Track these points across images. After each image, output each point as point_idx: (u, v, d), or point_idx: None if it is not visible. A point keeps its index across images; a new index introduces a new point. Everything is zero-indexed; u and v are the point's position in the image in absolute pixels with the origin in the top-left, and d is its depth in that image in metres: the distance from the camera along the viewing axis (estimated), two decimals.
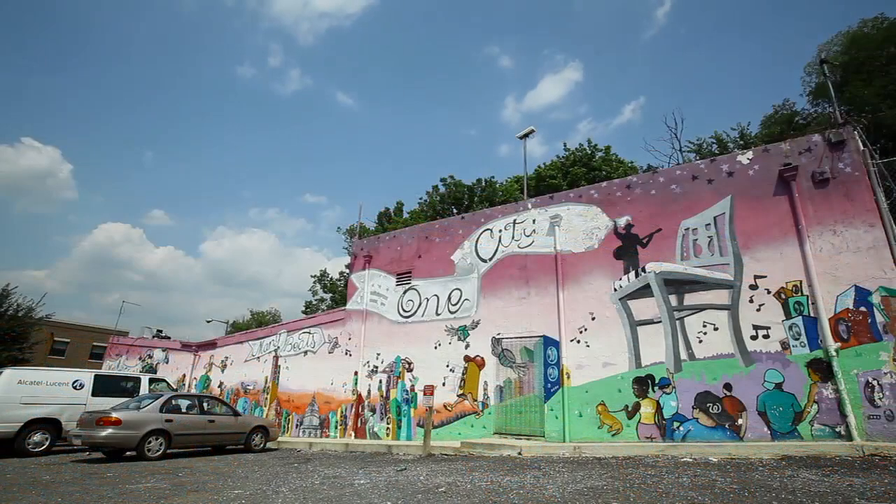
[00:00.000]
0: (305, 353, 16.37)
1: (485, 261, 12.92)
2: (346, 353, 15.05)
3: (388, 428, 13.28)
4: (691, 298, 9.56)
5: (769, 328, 8.65)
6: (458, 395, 12.17)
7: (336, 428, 14.37)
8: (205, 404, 11.20)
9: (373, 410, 13.77)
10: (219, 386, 19.10)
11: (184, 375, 20.71)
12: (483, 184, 29.94)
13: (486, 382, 11.79)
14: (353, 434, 13.84)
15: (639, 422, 9.36)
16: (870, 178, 8.58)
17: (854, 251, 8.31)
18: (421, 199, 31.73)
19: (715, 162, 10.28)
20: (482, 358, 12.06)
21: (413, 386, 13.14)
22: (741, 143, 23.04)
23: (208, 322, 62.61)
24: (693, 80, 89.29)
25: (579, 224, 11.48)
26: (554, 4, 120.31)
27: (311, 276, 36.84)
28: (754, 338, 8.73)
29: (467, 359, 12.34)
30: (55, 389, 11.41)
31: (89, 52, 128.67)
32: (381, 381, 13.90)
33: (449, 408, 12.16)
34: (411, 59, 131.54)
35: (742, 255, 9.27)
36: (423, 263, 14.29)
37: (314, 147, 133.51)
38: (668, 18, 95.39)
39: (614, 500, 4.64)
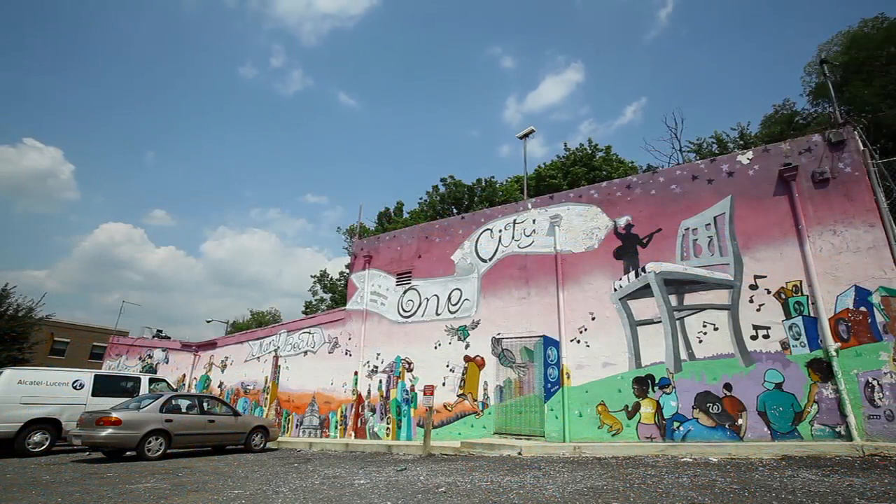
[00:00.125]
0: (305, 353, 16.37)
1: (485, 261, 12.92)
2: (346, 353, 15.05)
3: (388, 428, 13.28)
4: (691, 298, 9.56)
5: (769, 328, 8.65)
6: (458, 395, 12.17)
7: (336, 428, 14.37)
8: (205, 404, 11.20)
9: (373, 410, 13.77)
10: (219, 386, 19.10)
11: (184, 375, 20.71)
12: (483, 184, 29.95)
13: (486, 382, 11.79)
14: (353, 434, 13.84)
15: (639, 422, 9.35)
16: (870, 178, 8.58)
17: (854, 251, 8.30)
18: (421, 199, 31.76)
19: (715, 162, 10.28)
20: (482, 358, 12.06)
21: (413, 386, 13.14)
22: (741, 143, 23.03)
23: (208, 322, 62.72)
24: (693, 81, 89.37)
25: (579, 224, 11.48)
26: (555, 5, 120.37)
27: (312, 277, 36.87)
28: (754, 338, 8.73)
29: (467, 359, 12.34)
30: (55, 389, 11.41)
31: (91, 53, 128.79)
32: (381, 381, 13.90)
33: (449, 408, 12.16)
34: (413, 60, 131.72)
35: (742, 255, 9.26)
36: (423, 263, 14.29)
37: (316, 147, 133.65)
38: (670, 19, 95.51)
39: (614, 500, 4.64)
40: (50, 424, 11.02)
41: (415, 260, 14.52)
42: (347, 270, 22.64)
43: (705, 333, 9.22)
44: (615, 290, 10.45)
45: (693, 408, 8.91)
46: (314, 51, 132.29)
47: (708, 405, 8.79)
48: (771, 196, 9.32)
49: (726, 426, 8.52)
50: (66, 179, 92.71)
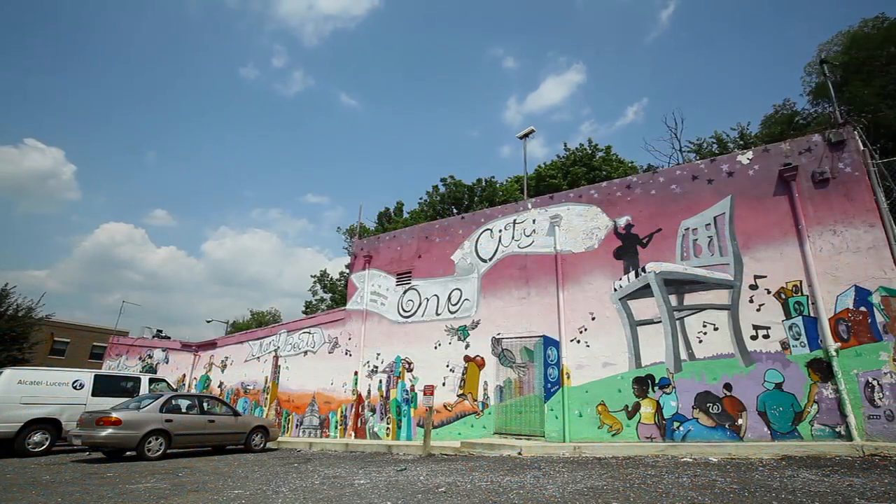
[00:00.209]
0: (305, 353, 16.37)
1: (485, 261, 12.92)
2: (346, 353, 15.05)
3: (388, 428, 13.28)
4: (691, 298, 9.56)
5: (769, 328, 8.65)
6: (458, 395, 12.17)
7: (336, 428, 14.37)
8: (205, 404, 11.20)
9: (373, 410, 13.77)
10: (219, 386, 19.10)
11: (184, 375, 20.71)
12: (483, 184, 29.95)
13: (486, 382, 11.79)
14: (353, 434, 13.84)
15: (639, 422, 9.35)
16: (870, 178, 8.58)
17: (854, 251, 8.31)
18: (421, 199, 31.77)
19: (715, 162, 10.27)
20: (482, 358, 12.06)
21: (413, 386, 13.14)
22: (741, 143, 23.04)
23: (208, 322, 62.74)
24: (694, 81, 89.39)
25: (579, 224, 11.48)
26: (556, 6, 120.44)
27: (312, 277, 36.87)
28: (754, 338, 8.73)
29: (467, 359, 12.34)
30: (55, 389, 11.41)
31: (93, 53, 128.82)
32: (381, 381, 13.90)
33: (449, 408, 12.16)
34: (414, 61, 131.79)
35: (742, 255, 9.26)
36: (423, 263, 14.29)
37: (317, 148, 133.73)
38: (671, 20, 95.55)
39: (614, 500, 4.64)
40: (50, 424, 11.02)
41: (415, 260, 14.52)
42: (347, 270, 22.64)
43: (705, 333, 9.22)
44: (615, 290, 10.45)
45: (693, 408, 8.91)
46: (316, 51, 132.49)
47: (708, 405, 8.79)
48: (771, 196, 9.32)
49: (726, 426, 8.52)
50: (67, 180, 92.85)
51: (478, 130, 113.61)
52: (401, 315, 14.17)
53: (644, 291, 10.05)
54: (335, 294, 34.42)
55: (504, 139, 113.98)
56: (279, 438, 13.17)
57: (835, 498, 4.38)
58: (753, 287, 8.99)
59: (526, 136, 14.49)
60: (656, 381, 9.43)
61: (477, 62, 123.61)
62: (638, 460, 7.66)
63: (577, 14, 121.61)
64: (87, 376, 12.27)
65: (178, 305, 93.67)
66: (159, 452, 9.54)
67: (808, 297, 8.47)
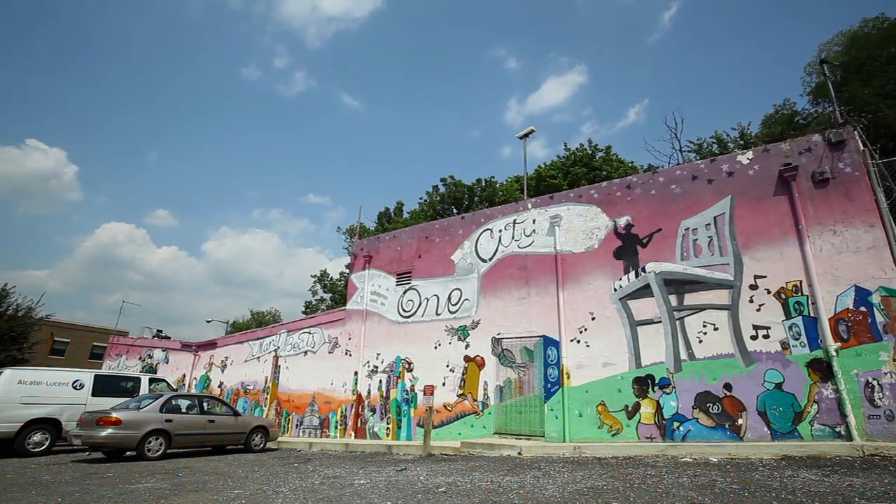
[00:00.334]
0: (305, 353, 16.37)
1: (485, 261, 12.92)
2: (346, 353, 15.05)
3: (388, 428, 13.28)
4: (691, 298, 9.56)
5: (769, 328, 8.65)
6: (458, 395, 12.17)
7: (336, 428, 14.37)
8: (205, 404, 11.20)
9: (373, 410, 13.77)
10: (219, 386, 19.10)
11: (184, 375, 20.71)
12: (483, 184, 29.94)
13: (486, 382, 11.79)
14: (353, 434, 13.84)
15: (639, 422, 9.35)
16: (870, 178, 8.58)
17: (854, 251, 8.30)
18: (421, 199, 31.76)
19: (715, 162, 10.27)
20: (482, 358, 12.06)
21: (413, 386, 13.14)
22: (741, 143, 23.03)
23: (208, 322, 62.73)
24: (694, 81, 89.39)
25: (579, 224, 11.47)
26: (558, 8, 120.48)
27: (312, 277, 36.87)
28: (754, 338, 8.73)
29: (467, 359, 12.33)
30: (55, 389, 11.41)
31: (95, 53, 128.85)
32: (381, 381, 13.90)
33: (449, 408, 12.16)
34: (416, 62, 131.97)
35: (742, 255, 9.26)
36: (423, 263, 14.29)
37: (319, 148, 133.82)
38: (672, 21, 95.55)
39: (614, 500, 4.64)
40: (50, 424, 11.02)
41: (415, 260, 14.52)
42: (347, 270, 22.64)
43: (705, 333, 9.22)
44: (615, 290, 10.45)
45: (693, 408, 8.91)
46: (318, 52, 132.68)
47: (708, 405, 8.79)
48: (771, 196, 9.32)
49: (726, 426, 8.52)
50: (69, 180, 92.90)
51: (479, 131, 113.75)
52: (401, 315, 14.17)
53: (644, 291, 10.05)
54: (335, 294, 34.42)
55: (505, 140, 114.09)
56: (279, 438, 13.17)
57: (835, 498, 4.38)
58: (753, 287, 8.99)
59: (526, 136, 14.49)
60: (656, 381, 9.43)
61: (478, 63, 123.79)
62: (638, 460, 7.66)
63: (579, 15, 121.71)
64: (87, 376, 12.27)
65: (178, 305, 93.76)
66: (159, 452, 9.54)
67: (808, 297, 8.47)
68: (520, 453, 9.00)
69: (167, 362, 21.95)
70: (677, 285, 9.76)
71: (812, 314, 8.36)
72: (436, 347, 13.01)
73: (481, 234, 13.27)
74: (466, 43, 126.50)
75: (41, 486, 6.32)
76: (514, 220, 12.70)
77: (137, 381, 13.42)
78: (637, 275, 10.23)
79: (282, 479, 6.83)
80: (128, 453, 9.71)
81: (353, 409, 14.10)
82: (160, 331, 26.11)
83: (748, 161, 9.77)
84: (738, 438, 8.33)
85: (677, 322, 9.56)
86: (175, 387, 17.34)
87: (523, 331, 11.53)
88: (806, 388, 8.09)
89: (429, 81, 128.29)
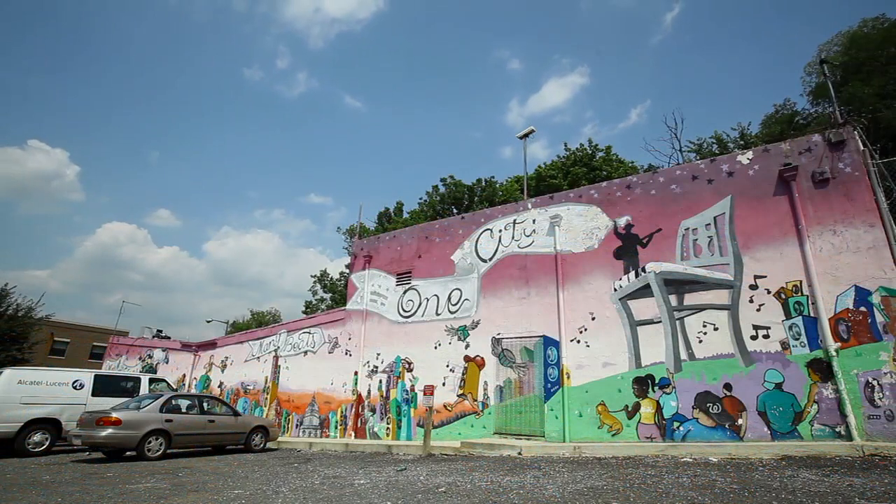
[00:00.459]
0: (305, 353, 16.37)
1: (485, 261, 12.92)
2: (346, 353, 15.05)
3: (388, 428, 13.28)
4: (691, 298, 9.56)
5: (769, 328, 8.65)
6: (458, 395, 12.17)
7: (336, 428, 14.37)
8: (205, 404, 11.20)
9: (373, 410, 13.77)
10: (219, 386, 19.10)
11: (184, 375, 20.71)
12: (483, 184, 29.93)
13: (486, 382, 11.79)
14: (353, 434, 13.84)
15: (639, 422, 9.35)
16: (870, 178, 8.58)
17: (854, 251, 8.30)
18: (421, 199, 31.75)
19: (715, 162, 10.27)
20: (482, 358, 12.06)
21: (413, 386, 13.14)
22: (741, 143, 23.03)
23: (208, 322, 62.66)
24: (694, 81, 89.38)
25: (579, 224, 11.47)
26: (560, 9, 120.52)
27: (312, 277, 36.87)
28: (754, 338, 8.73)
29: (467, 359, 12.33)
30: (55, 389, 11.41)
31: (97, 53, 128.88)
32: (381, 381, 13.90)
33: (449, 408, 12.16)
34: (418, 63, 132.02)
35: (742, 255, 9.26)
36: (423, 263, 14.29)
37: (321, 148, 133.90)
38: (673, 23, 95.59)
39: (614, 500, 4.64)
40: (50, 424, 11.02)
41: (415, 260, 14.52)
42: (348, 270, 22.64)
43: (705, 333, 9.22)
44: (615, 290, 10.45)
45: (693, 408, 8.91)
46: (320, 53, 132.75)
47: (708, 405, 8.79)
48: (771, 196, 9.32)
49: (726, 426, 8.52)
50: (70, 181, 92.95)
51: (479, 132, 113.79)
52: (401, 315, 14.17)
53: (644, 291, 10.05)
54: (335, 294, 34.42)
55: (505, 140, 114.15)
56: (279, 438, 13.17)
57: (835, 498, 4.38)
58: (753, 287, 8.99)
59: (526, 136, 14.49)
60: (656, 381, 9.43)
61: (479, 64, 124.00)
62: (638, 460, 7.66)
63: (581, 17, 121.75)
64: (87, 376, 12.26)
65: (178, 305, 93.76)
66: (159, 452, 9.54)
67: (808, 297, 8.47)
68: (520, 453, 9.00)
69: (167, 362, 21.94)
70: (677, 285, 9.76)
71: (812, 314, 8.36)
72: (436, 347, 13.01)
73: (481, 234, 13.27)
74: (468, 44, 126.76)
75: (41, 486, 6.32)
76: (514, 220, 12.70)
77: (137, 381, 13.42)
78: (637, 275, 10.23)
79: (282, 479, 6.83)
80: (128, 453, 9.71)
81: (353, 409, 14.10)
82: (160, 331, 26.11)
83: (748, 161, 9.77)
84: (738, 438, 8.33)
85: (677, 322, 9.56)
86: (175, 387, 17.34)
87: (523, 331, 11.53)
88: (806, 388, 8.09)
89: (430, 82, 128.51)
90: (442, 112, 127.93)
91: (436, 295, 13.58)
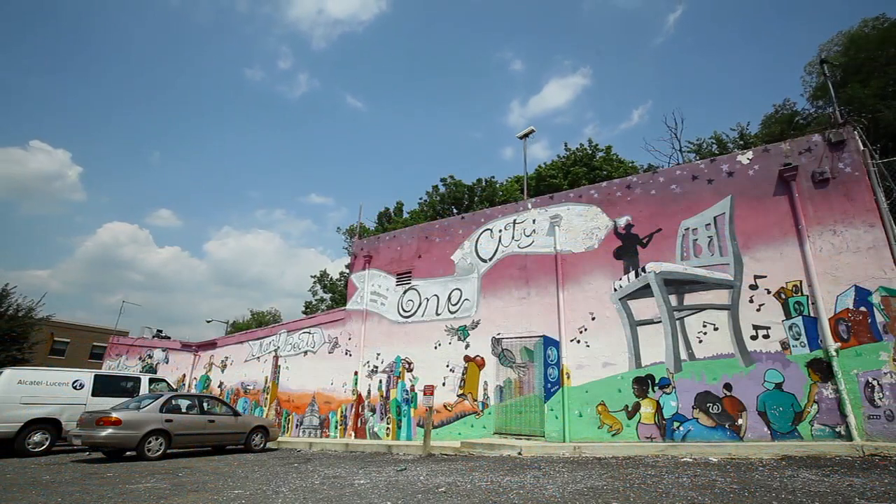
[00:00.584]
0: (305, 353, 16.37)
1: (485, 261, 12.92)
2: (346, 353, 15.05)
3: (388, 428, 13.28)
4: (691, 298, 9.56)
5: (769, 328, 8.65)
6: (458, 395, 12.17)
7: (336, 428, 14.37)
8: (205, 404, 11.20)
9: (373, 410, 13.77)
10: (219, 386, 19.09)
11: (184, 375, 20.70)
12: (483, 184, 29.93)
13: (486, 382, 11.79)
14: (353, 434, 13.84)
15: (639, 422, 9.35)
16: (870, 178, 8.58)
17: (854, 251, 8.30)
18: (421, 199, 31.75)
19: (715, 162, 10.27)
20: (482, 358, 12.06)
21: (413, 386, 13.14)
22: (741, 143, 23.03)
23: (208, 322, 62.59)
24: (694, 81, 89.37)
25: (579, 224, 11.47)
26: (563, 11, 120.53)
27: (311, 277, 36.87)
28: (754, 338, 8.73)
29: (467, 359, 12.33)
30: (55, 389, 11.40)
31: (98, 54, 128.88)
32: (381, 381, 13.90)
33: (449, 408, 12.16)
34: (419, 64, 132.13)
35: (742, 255, 9.26)
36: (423, 263, 14.29)
37: (322, 149, 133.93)
38: (675, 24, 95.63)
39: (614, 500, 4.64)
40: (50, 424, 11.02)
41: (415, 260, 14.52)
42: (348, 270, 22.64)
43: (705, 333, 9.22)
44: (615, 290, 10.45)
45: (693, 408, 8.91)
46: (322, 54, 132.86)
47: (708, 405, 8.79)
48: (771, 196, 9.32)
49: (726, 426, 8.52)
50: (72, 182, 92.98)
51: (480, 132, 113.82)
52: (401, 315, 14.17)
53: (644, 291, 10.05)
54: (335, 294, 34.42)
55: (506, 141, 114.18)
56: (279, 438, 13.16)
57: (835, 498, 4.38)
58: (753, 287, 8.99)
59: (526, 136, 14.49)
60: (656, 381, 9.43)
61: (481, 65, 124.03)
62: (638, 460, 7.66)
63: (583, 19, 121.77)
64: (87, 376, 12.26)
65: (179, 305, 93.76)
66: (159, 452, 9.54)
67: (808, 297, 8.47)
68: (520, 453, 9.00)
69: (167, 362, 21.94)
70: (677, 285, 9.76)
71: (812, 314, 8.36)
72: (436, 347, 13.01)
73: (481, 234, 13.27)
74: (470, 45, 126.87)
75: (41, 486, 6.32)
76: (514, 220, 12.70)
77: (137, 381, 13.42)
78: (637, 275, 10.23)
79: (282, 479, 6.83)
80: (128, 453, 9.70)
81: (353, 409, 14.10)
82: (160, 331, 26.11)
83: (748, 161, 9.77)
84: (738, 438, 8.33)
85: (677, 322, 9.56)
86: (175, 387, 17.34)
87: (523, 331, 11.53)
88: (806, 388, 8.09)
89: (431, 83, 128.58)
90: (443, 112, 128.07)
91: (436, 295, 13.58)
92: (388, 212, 33.40)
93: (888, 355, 7.62)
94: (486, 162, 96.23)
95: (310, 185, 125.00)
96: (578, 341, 10.59)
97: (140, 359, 23.02)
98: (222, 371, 19.33)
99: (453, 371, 12.47)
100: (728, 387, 8.70)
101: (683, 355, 9.32)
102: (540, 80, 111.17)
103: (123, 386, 12.97)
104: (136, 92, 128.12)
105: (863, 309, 7.99)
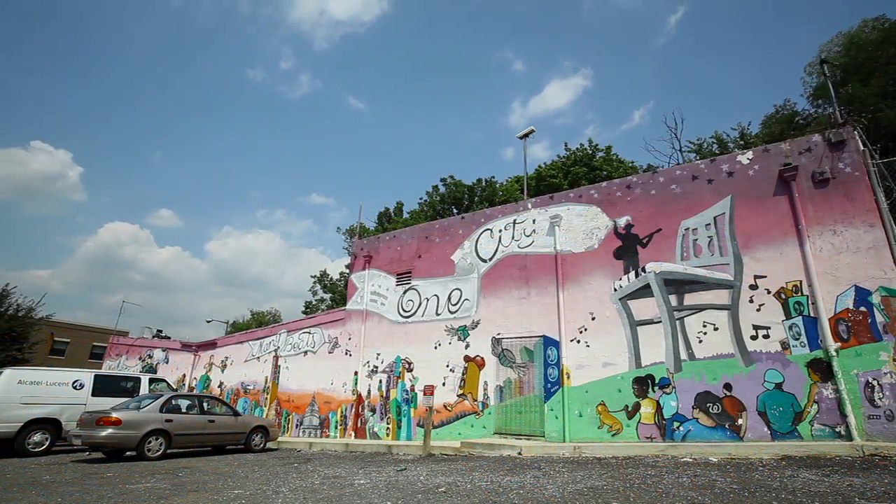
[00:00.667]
0: (305, 353, 16.37)
1: (485, 261, 12.92)
2: (346, 353, 15.05)
3: (388, 428, 13.28)
4: (691, 298, 9.56)
5: (769, 328, 8.65)
6: (458, 395, 12.17)
7: (336, 428, 14.37)
8: (205, 404, 11.20)
9: (373, 410, 13.77)
10: (219, 386, 19.09)
11: (184, 375, 20.70)
12: (483, 184, 29.93)
13: (486, 382, 11.79)
14: (353, 434, 13.84)
15: (639, 422, 9.35)
16: (870, 178, 8.58)
17: (854, 251, 8.30)
18: (421, 199, 31.75)
19: (715, 162, 10.27)
20: (482, 358, 12.06)
21: (413, 386, 13.14)
22: (741, 143, 23.03)
23: (208, 322, 62.61)
24: (694, 81, 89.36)
25: (579, 224, 11.47)
26: (564, 12, 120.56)
27: (311, 277, 36.87)
28: (754, 338, 8.73)
29: (467, 359, 12.33)
30: (55, 389, 11.40)
31: (99, 54, 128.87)
32: (381, 381, 13.90)
33: (449, 408, 12.16)
34: (420, 65, 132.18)
35: (742, 255, 9.26)
36: (423, 263, 14.29)
37: (322, 149, 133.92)
38: (676, 25, 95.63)
39: (614, 500, 4.64)
40: (50, 424, 11.01)
41: (415, 260, 14.52)
42: (348, 271, 22.64)
43: (705, 333, 9.21)
44: (615, 290, 10.45)
45: (693, 408, 8.91)
46: (324, 55, 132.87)
47: (708, 405, 8.79)
48: (771, 196, 9.32)
49: (726, 426, 8.52)
50: (73, 182, 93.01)
51: (481, 133, 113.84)
52: (401, 315, 14.17)
53: (644, 291, 10.05)
54: (335, 294, 34.42)
55: (506, 141, 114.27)
56: (279, 438, 13.17)
57: (835, 498, 4.38)
58: (753, 287, 8.99)
59: (526, 136, 14.49)
60: (656, 381, 9.43)
61: (482, 66, 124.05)
62: (638, 460, 7.66)
63: (584, 20, 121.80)
64: (87, 376, 12.26)
65: (179, 305, 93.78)
66: (159, 452, 9.54)
67: (808, 297, 8.47)
68: (520, 453, 9.00)
69: (167, 362, 21.94)
70: (677, 285, 9.76)
71: (812, 314, 8.36)
72: (436, 347, 13.01)
73: (481, 234, 13.27)
74: (471, 46, 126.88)
75: (41, 486, 6.32)
76: (514, 220, 12.70)
77: (137, 381, 13.42)
78: (637, 275, 10.23)
79: (282, 479, 6.83)
80: (128, 453, 9.70)
81: (353, 409, 14.10)
82: (160, 331, 26.11)
83: (748, 161, 9.77)
84: (738, 438, 8.33)
85: (677, 322, 9.56)
86: (175, 387, 17.34)
87: (523, 331, 11.53)
88: (806, 388, 8.09)
89: (432, 83, 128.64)
90: (443, 113, 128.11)
91: (436, 295, 13.58)
92: (388, 212, 33.40)
93: (888, 355, 7.61)
94: (486, 162, 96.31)
95: (310, 186, 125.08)
96: (578, 341, 10.59)
97: (140, 359, 23.02)
98: (222, 371, 19.33)
99: (453, 371, 12.47)
100: (728, 387, 8.70)
101: (683, 355, 9.32)
102: (541, 81, 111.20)
103: (123, 386, 12.97)
104: (136, 92, 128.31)
105: (863, 309, 7.99)
